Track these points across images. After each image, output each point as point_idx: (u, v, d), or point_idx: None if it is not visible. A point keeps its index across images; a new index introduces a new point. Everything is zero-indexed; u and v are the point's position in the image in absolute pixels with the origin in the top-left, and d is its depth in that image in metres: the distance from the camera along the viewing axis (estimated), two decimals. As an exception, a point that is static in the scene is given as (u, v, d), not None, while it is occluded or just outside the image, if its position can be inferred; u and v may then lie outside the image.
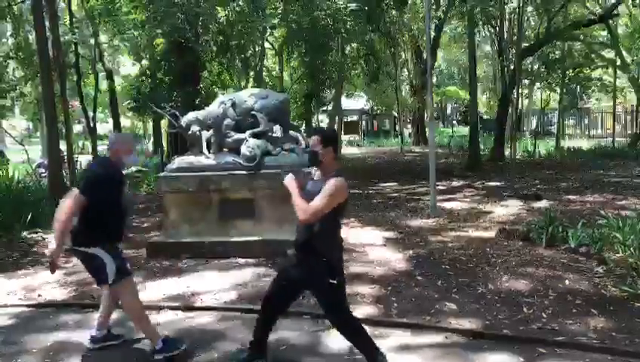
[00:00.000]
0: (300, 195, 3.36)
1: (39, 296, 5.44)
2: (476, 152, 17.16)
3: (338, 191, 3.29)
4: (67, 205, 3.74)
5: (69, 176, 10.51)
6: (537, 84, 25.50)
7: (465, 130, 30.92)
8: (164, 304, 5.01)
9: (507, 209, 9.36)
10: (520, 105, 19.95)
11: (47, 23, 9.96)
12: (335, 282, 3.33)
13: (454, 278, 5.51)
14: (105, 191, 3.80)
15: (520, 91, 20.20)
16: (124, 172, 4.16)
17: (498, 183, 12.85)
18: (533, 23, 22.74)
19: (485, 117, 34.94)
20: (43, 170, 12.93)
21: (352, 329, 3.51)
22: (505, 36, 20.11)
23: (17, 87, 13.37)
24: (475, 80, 18.22)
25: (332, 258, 3.37)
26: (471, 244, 6.88)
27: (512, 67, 18.73)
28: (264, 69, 20.51)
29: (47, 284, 5.77)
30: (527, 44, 19.61)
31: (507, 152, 17.89)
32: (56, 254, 3.67)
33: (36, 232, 8.13)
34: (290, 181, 3.46)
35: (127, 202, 4.10)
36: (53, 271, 3.78)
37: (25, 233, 8.02)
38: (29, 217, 8.31)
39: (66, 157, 11.12)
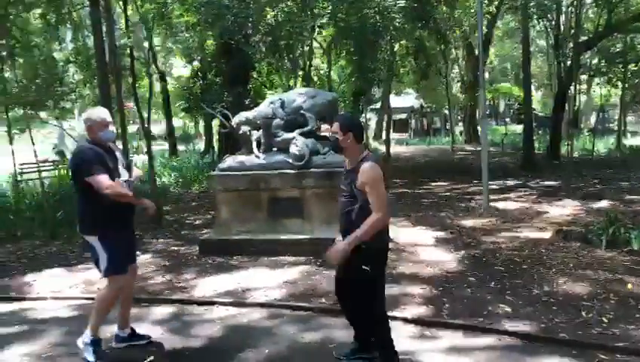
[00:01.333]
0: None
1: (98, 289, 5.64)
2: (531, 150, 16.62)
3: (377, 176, 3.26)
4: (104, 182, 3.60)
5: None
6: (596, 80, 24.39)
7: (518, 128, 30.04)
8: (216, 299, 5.10)
9: (564, 209, 9.02)
10: (577, 102, 19.17)
11: (104, 28, 10.34)
12: (368, 269, 3.26)
13: (508, 280, 5.36)
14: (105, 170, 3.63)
15: (577, 87, 19.41)
16: (117, 153, 3.94)
17: (554, 182, 12.41)
18: (592, 16, 21.83)
19: (540, 114, 33.76)
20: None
21: (378, 323, 3.46)
22: (561, 30, 19.37)
23: (76, 90, 13.94)
24: (529, 76, 17.66)
25: (370, 246, 3.27)
26: (525, 245, 6.67)
27: (568, 62, 18.02)
28: (312, 68, 20.59)
29: (105, 278, 5.98)
30: (585, 38, 18.81)
31: (563, 150, 17.26)
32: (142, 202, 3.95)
33: (95, 229, 8.45)
34: (332, 252, 3.31)
35: (130, 186, 3.84)
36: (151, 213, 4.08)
37: (85, 229, 8.36)
38: (89, 214, 8.64)
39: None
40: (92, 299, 5.29)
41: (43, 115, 12.56)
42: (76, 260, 6.89)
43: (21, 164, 13.09)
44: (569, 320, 4.29)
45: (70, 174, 3.80)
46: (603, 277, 5.31)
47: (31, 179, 12.44)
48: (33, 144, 9.15)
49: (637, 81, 22.90)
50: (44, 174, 11.18)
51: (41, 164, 11.06)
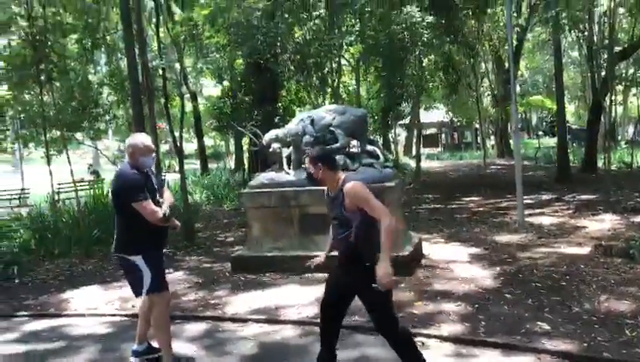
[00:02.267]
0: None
1: (133, 306, 5.72)
2: (566, 163, 16.25)
3: (363, 190, 3.32)
4: (148, 208, 3.76)
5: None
6: (633, 90, 23.80)
7: (552, 141, 29.46)
8: (249, 317, 5.10)
9: (602, 223, 8.75)
10: (614, 113, 18.68)
11: (136, 51, 10.61)
12: (378, 286, 3.24)
13: (546, 297, 5.21)
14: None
15: (613, 98, 18.95)
16: (153, 178, 4.02)
17: (591, 196, 12.08)
18: (625, 26, 21.37)
19: (574, 126, 33.07)
20: (135, 188, 13.64)
21: (401, 335, 3.43)
22: (595, 40, 19.01)
23: (110, 111, 14.30)
24: (562, 88, 17.34)
25: (375, 263, 3.27)
26: (563, 261, 6.48)
27: (603, 73, 17.65)
28: (341, 85, 20.66)
29: (147, 296, 6.05)
30: (619, 48, 18.41)
31: (600, 163, 16.81)
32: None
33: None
34: (383, 279, 3.26)
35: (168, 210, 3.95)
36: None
37: (119, 247, 8.51)
38: (123, 232, 8.80)
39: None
40: (126, 316, 5.38)
41: (78, 135, 12.91)
42: (111, 277, 7.01)
43: (59, 184, 13.46)
44: (612, 339, 4.13)
45: (111, 196, 3.95)
46: (647, 293, 5.11)
47: (68, 199, 12.78)
48: (70, 164, 9.39)
49: (676, 90, 22.25)
50: (80, 193, 11.47)
51: (77, 184, 11.35)
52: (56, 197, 12.84)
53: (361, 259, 3.34)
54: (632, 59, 19.40)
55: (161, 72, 15.06)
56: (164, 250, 4.17)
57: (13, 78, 11.30)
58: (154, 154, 4.00)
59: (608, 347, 4.00)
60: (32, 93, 11.75)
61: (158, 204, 3.90)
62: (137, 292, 3.95)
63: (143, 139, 3.98)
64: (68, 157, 9.51)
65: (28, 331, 5.12)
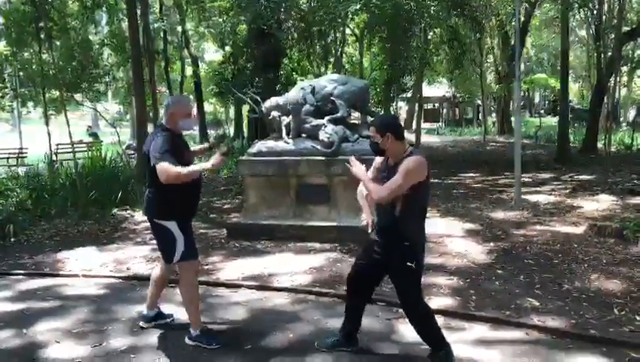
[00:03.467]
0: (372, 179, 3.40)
1: (127, 269, 5.78)
2: (566, 143, 16.18)
3: (414, 169, 3.18)
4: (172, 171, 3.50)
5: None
6: (638, 72, 23.59)
7: (553, 120, 29.33)
8: (242, 283, 5.14)
9: (599, 204, 8.76)
10: (617, 95, 18.54)
11: (138, 12, 10.45)
12: (413, 266, 3.27)
13: (538, 274, 5.25)
14: (176, 158, 3.57)
15: (618, 79, 18.78)
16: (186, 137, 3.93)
17: (589, 177, 12.07)
18: (635, 5, 21.04)
19: (577, 106, 32.87)
20: (132, 152, 13.67)
21: (424, 315, 3.43)
22: (603, 20, 18.72)
23: (110, 73, 14.18)
24: (567, 67, 17.13)
25: (415, 243, 3.30)
26: (557, 240, 6.51)
27: (609, 53, 17.43)
28: (344, 55, 20.45)
29: (135, 259, 6.11)
30: (627, 28, 18.16)
31: (600, 144, 16.76)
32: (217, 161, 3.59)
33: (125, 209, 8.63)
34: (357, 165, 3.41)
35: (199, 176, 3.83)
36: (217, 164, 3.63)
37: (115, 210, 8.56)
38: (119, 196, 8.83)
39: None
40: (120, 278, 5.43)
41: (77, 97, 12.82)
42: (107, 240, 7.05)
43: (57, 145, 13.42)
44: (600, 317, 4.18)
45: (145, 159, 3.76)
46: (638, 274, 5.14)
47: (65, 160, 12.75)
48: (68, 125, 9.33)
49: (681, 73, 22.03)
50: (78, 155, 11.44)
51: (75, 146, 11.31)
52: (54, 158, 12.82)
53: (401, 235, 3.28)
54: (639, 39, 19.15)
55: (162, 34, 14.89)
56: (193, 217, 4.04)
57: (12, 35, 11.17)
58: (195, 118, 3.87)
59: (596, 325, 4.04)
60: (32, 50, 11.63)
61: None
62: (168, 259, 3.84)
63: (186, 101, 3.94)
64: (67, 118, 9.44)
65: (23, 289, 5.16)
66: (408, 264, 3.26)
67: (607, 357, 3.58)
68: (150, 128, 11.80)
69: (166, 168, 3.48)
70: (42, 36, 10.84)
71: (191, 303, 3.84)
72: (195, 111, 4.47)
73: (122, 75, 16.74)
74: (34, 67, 11.72)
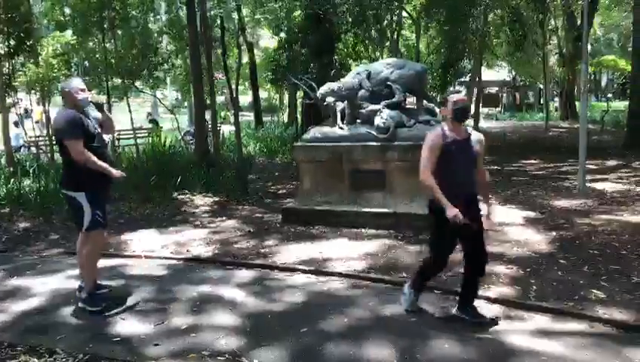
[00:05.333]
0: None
1: (187, 251, 5.95)
2: (636, 129, 15.28)
3: (425, 144, 3.80)
4: (78, 149, 3.97)
5: (214, 144, 11.29)
6: None
7: (622, 104, 27.77)
8: (297, 267, 5.20)
9: (671, 192, 8.26)
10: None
11: (196, 0, 10.63)
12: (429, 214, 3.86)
13: (603, 265, 5.01)
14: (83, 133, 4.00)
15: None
16: (94, 118, 4.23)
17: (662, 164, 11.39)
18: None
19: (648, 89, 30.97)
20: (190, 138, 14.01)
21: (428, 264, 3.99)
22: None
23: (169, 60, 14.52)
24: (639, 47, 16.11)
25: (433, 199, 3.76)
26: (625, 229, 6.19)
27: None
28: (400, 38, 20.10)
29: (195, 241, 6.29)
30: None
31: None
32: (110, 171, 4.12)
33: (184, 193, 8.89)
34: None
35: (107, 153, 4.32)
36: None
37: (175, 194, 8.82)
38: (179, 180, 9.10)
39: (210, 126, 11.93)
40: (180, 259, 5.61)
41: (138, 84, 13.23)
42: (167, 222, 7.28)
43: (119, 131, 13.94)
44: (672, 311, 3.95)
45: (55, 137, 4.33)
46: None
47: (127, 145, 13.24)
48: (130, 112, 9.66)
49: None
50: (139, 141, 11.84)
51: (136, 132, 11.71)
52: (116, 143, 13.33)
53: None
54: None
55: (219, 21, 15.09)
56: (108, 195, 4.50)
57: (78, 25, 11.62)
58: (88, 94, 4.19)
59: (667, 319, 3.83)
60: (96, 39, 12.07)
61: (100, 147, 4.15)
62: (79, 227, 4.21)
63: (74, 80, 4.30)
64: (128, 105, 9.78)
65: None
66: (429, 214, 3.95)
67: (680, 353, 3.38)
68: (208, 115, 12.08)
69: (75, 147, 3.96)
70: (105, 26, 11.23)
71: (83, 267, 4.26)
72: (84, 87, 4.47)
73: (180, 62, 17.12)
74: (97, 56, 12.17)
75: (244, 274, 5.12)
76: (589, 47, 31.80)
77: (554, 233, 6.14)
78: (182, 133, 15.11)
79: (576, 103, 25.56)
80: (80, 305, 4.23)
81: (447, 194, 3.64)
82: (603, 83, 46.80)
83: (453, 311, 3.99)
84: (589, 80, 37.80)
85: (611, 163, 11.89)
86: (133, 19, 12.95)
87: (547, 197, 8.20)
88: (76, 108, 4.10)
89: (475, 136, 3.83)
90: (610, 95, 41.08)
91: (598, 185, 8.95)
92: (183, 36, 13.87)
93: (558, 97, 30.82)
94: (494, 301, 4.24)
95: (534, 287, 4.51)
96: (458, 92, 3.94)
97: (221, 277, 5.04)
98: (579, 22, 22.38)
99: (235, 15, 17.41)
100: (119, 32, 12.17)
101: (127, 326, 3.97)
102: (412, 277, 4.14)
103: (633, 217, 6.79)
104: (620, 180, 9.59)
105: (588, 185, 8.68)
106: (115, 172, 4.18)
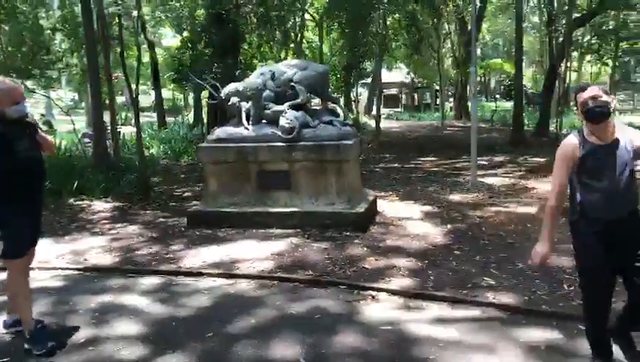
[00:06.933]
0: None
1: (85, 260, 5.66)
2: (520, 127, 16.66)
3: (557, 155, 3.02)
4: None
5: (113, 147, 10.80)
6: (587, 57, 24.38)
7: (509, 104, 30.03)
8: (204, 271, 5.13)
9: (550, 185, 9.09)
10: (568, 79, 19.14)
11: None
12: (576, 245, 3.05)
13: (493, 253, 5.43)
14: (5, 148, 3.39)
15: (569, 64, 19.37)
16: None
17: (542, 159, 12.47)
18: (585, -8, 21.64)
19: (530, 91, 33.77)
20: (88, 140, 13.30)
21: (586, 300, 3.13)
22: (555, 6, 19.25)
23: (63, 59, 13.70)
24: (521, 52, 17.57)
25: (572, 220, 3.07)
26: (511, 220, 6.74)
27: (560, 39, 17.96)
28: (304, 40, 20.36)
29: (93, 249, 6.00)
30: (578, 14, 18.72)
31: (553, 127, 17.32)
32: None
33: (82, 199, 8.43)
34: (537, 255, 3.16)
35: (32, 163, 3.62)
36: None
37: (72, 200, 8.35)
38: (75, 185, 8.62)
39: (109, 128, 11.40)
40: (78, 269, 5.33)
41: (29, 83, 12.35)
42: (62, 230, 6.87)
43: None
44: (551, 293, 4.37)
45: None
46: (586, 251, 5.38)
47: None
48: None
49: (627, 59, 22.87)
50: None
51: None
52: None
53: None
54: (589, 25, 19.77)
55: (117, 19, 14.44)
56: (34, 209, 3.75)
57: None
58: (25, 101, 3.60)
59: (547, 300, 4.23)
60: (-24, 36, 11.11)
61: (30, 157, 3.57)
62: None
63: (10, 83, 3.58)
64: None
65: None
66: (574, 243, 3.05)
67: (558, 330, 3.75)
68: (106, 117, 11.52)
69: None
70: (-12, 20, 10.38)
71: (22, 302, 3.68)
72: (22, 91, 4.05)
73: (76, 61, 16.18)
74: (-21, 53, 11.23)
75: (148, 282, 4.96)
76: (479, 51, 34.11)
77: (449, 226, 6.55)
78: (79, 136, 14.29)
79: (469, 104, 27.26)
80: (27, 346, 3.61)
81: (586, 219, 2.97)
82: (492, 84, 50.27)
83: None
84: (479, 82, 40.47)
85: (499, 158, 12.86)
86: (22, 14, 12.06)
87: (443, 193, 8.71)
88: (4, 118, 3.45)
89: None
90: (498, 96, 44.22)
91: (488, 180, 9.66)
92: (78, 33, 13.12)
93: (453, 98, 32.69)
94: (395, 292, 4.46)
95: (432, 278, 4.79)
96: (584, 87, 2.98)
97: (123, 285, 4.86)
98: (469, 27, 23.90)
99: (134, 13, 16.74)
100: (5, 27, 11.29)
101: (17, 342, 3.72)
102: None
103: (519, 209, 7.41)
104: (506, 175, 10.42)
105: (479, 180, 9.34)
106: None
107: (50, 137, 4.07)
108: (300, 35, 17.84)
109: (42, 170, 3.80)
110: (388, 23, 18.19)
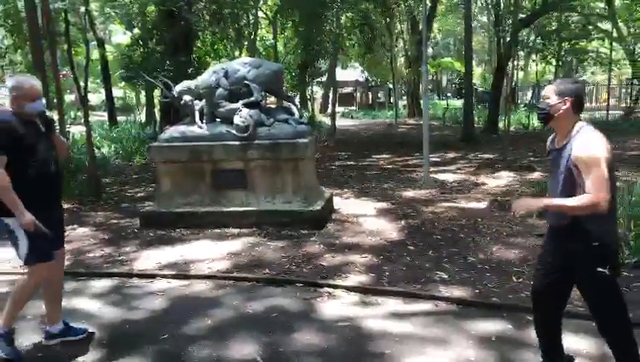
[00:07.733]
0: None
1: (13, 267, 5.44)
2: (470, 124, 17.14)
3: (597, 157, 2.55)
4: None
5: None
6: (533, 56, 25.28)
7: (459, 102, 30.81)
8: (157, 272, 5.05)
9: (500, 180, 9.41)
10: (515, 78, 19.82)
11: (35, -10, 9.76)
12: (606, 271, 2.65)
13: (445, 248, 5.58)
14: (17, 146, 3.25)
15: (515, 63, 20.05)
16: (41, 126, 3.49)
17: (491, 155, 12.89)
18: (530, -7, 22.43)
19: (480, 89, 34.76)
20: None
21: (623, 339, 2.81)
22: (501, 6, 19.87)
23: (6, 55, 13.15)
24: (471, 51, 18.04)
25: (607, 244, 2.69)
26: (463, 215, 6.94)
27: (507, 38, 18.56)
28: (258, 38, 20.21)
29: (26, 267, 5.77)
30: (523, 15, 19.39)
31: (501, 125, 17.89)
32: (29, 221, 3.27)
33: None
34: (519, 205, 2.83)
35: (51, 165, 3.47)
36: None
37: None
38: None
39: (58, 127, 11.02)
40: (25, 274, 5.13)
41: (-32, 81, 11.79)
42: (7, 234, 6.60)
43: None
44: (501, 285, 4.53)
45: None
46: (533, 243, 5.60)
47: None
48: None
49: (570, 58, 23.83)
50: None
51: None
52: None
53: (586, 235, 2.67)
54: (533, 26, 20.50)
55: (63, 15, 13.95)
56: (57, 212, 3.63)
57: None
58: (43, 99, 3.49)
59: (497, 292, 4.38)
60: None
61: (49, 158, 3.45)
62: (20, 259, 3.48)
63: (31, 81, 3.45)
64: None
65: None
66: (599, 270, 2.65)
67: (507, 321, 3.89)
68: (55, 115, 11.13)
69: None
70: None
71: (16, 302, 3.49)
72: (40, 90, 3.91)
73: (20, 58, 15.55)
74: None
75: (100, 284, 4.85)
76: (430, 50, 34.79)
77: (403, 222, 6.68)
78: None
79: (421, 102, 27.78)
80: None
81: (612, 241, 2.74)
82: (444, 83, 51.42)
83: None
84: (431, 80, 41.30)
85: (451, 155, 13.19)
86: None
87: (397, 189, 8.87)
88: (20, 116, 3.34)
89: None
90: (449, 94, 45.25)
91: (441, 176, 9.90)
92: (22, 29, 12.62)
93: (406, 96, 33.26)
94: (351, 289, 4.52)
95: (387, 273, 4.87)
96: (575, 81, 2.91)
97: (74, 289, 4.72)
98: (420, 26, 24.33)
99: (82, 8, 16.22)
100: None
101: (70, 351, 3.56)
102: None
103: (469, 204, 7.64)
104: (458, 171, 10.70)
105: (432, 176, 9.56)
106: (26, 218, 3.25)
107: (63, 139, 3.98)
108: (253, 33, 17.70)
109: (60, 171, 3.67)
110: (342, 21, 18.33)
